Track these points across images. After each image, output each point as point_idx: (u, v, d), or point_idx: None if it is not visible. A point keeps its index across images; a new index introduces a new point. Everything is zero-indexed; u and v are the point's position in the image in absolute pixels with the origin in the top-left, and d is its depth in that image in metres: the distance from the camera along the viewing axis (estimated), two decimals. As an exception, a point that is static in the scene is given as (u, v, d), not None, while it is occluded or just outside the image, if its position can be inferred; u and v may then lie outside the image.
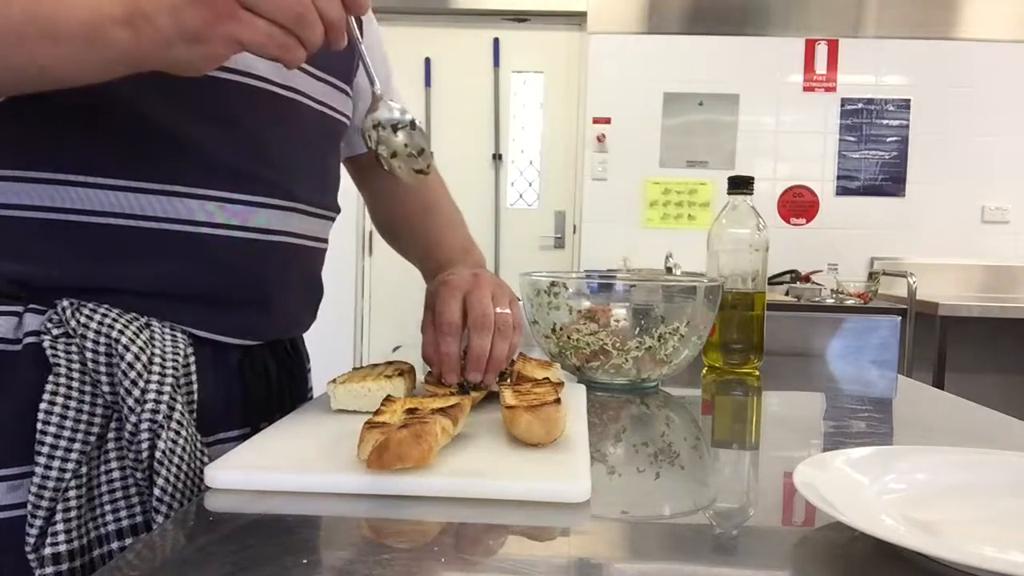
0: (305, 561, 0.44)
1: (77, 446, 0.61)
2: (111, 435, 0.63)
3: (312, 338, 0.91)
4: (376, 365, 0.82)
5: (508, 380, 0.81)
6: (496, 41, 3.82)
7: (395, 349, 1.23)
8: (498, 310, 0.76)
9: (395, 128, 0.67)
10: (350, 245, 3.78)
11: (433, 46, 3.82)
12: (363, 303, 3.90)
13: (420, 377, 0.84)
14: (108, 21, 0.53)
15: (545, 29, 3.82)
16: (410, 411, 0.61)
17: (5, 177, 0.64)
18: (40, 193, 0.64)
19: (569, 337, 0.96)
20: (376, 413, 0.62)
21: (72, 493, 0.60)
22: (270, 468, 0.56)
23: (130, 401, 0.61)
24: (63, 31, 0.53)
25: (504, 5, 3.73)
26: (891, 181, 3.64)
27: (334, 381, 0.75)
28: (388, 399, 0.67)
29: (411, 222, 1.01)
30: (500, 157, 3.85)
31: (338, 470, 0.56)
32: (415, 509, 0.52)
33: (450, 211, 1.03)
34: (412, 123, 0.68)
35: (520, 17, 3.80)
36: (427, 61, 3.81)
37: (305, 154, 0.77)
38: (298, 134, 0.76)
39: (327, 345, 2.16)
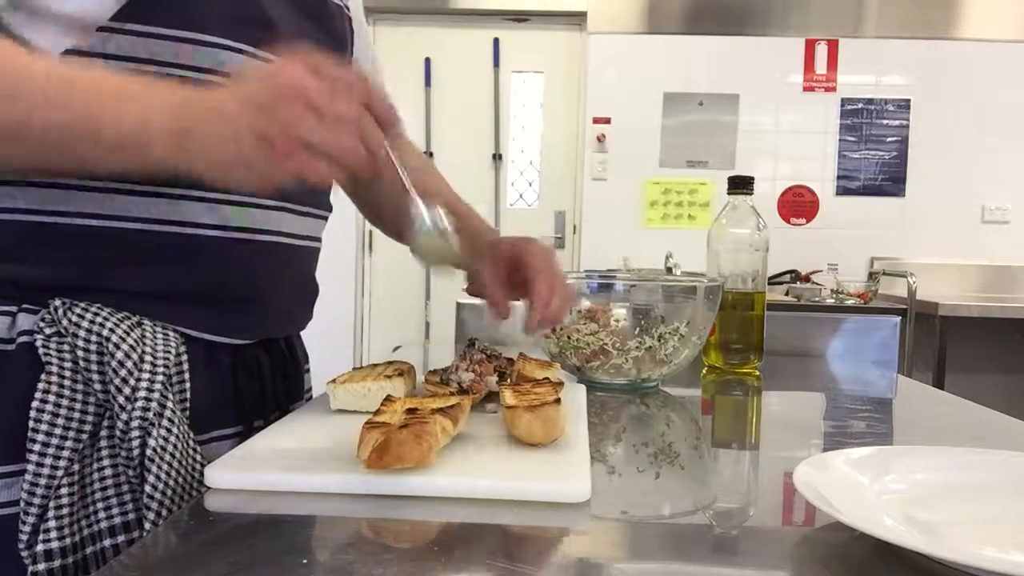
0: (305, 561, 0.44)
1: (69, 444, 0.61)
2: (103, 433, 0.63)
3: (312, 338, 0.91)
4: (376, 365, 0.82)
5: (508, 380, 0.81)
6: (496, 41, 3.82)
7: (395, 349, 1.23)
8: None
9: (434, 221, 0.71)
10: (350, 244, 3.78)
11: (433, 46, 3.82)
12: (363, 303, 3.89)
13: (420, 377, 0.84)
14: (155, 135, 0.55)
15: (545, 29, 3.82)
16: (410, 411, 0.61)
17: None
18: (33, 196, 0.64)
19: (569, 337, 0.96)
20: (376, 413, 0.62)
21: (64, 491, 0.60)
22: (270, 468, 0.57)
23: (120, 399, 0.61)
24: (108, 138, 0.55)
25: (504, 5, 3.73)
26: (891, 181, 3.64)
27: (334, 381, 0.75)
28: (388, 399, 0.67)
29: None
30: (500, 157, 3.85)
31: (338, 470, 0.56)
32: (415, 509, 0.52)
33: (462, 204, 1.02)
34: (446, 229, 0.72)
35: (520, 17, 3.80)
36: (427, 61, 3.80)
37: None
38: None
39: (327, 345, 2.15)
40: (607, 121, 3.66)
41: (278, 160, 0.55)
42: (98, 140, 0.55)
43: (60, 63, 0.57)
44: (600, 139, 3.65)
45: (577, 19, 3.72)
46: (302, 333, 0.90)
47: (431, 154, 3.81)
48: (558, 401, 0.63)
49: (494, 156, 3.85)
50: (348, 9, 0.88)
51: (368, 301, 3.91)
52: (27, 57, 0.56)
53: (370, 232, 3.82)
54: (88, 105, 0.55)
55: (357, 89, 0.57)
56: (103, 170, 0.59)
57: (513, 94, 3.86)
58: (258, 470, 0.56)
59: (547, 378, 0.79)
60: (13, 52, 0.56)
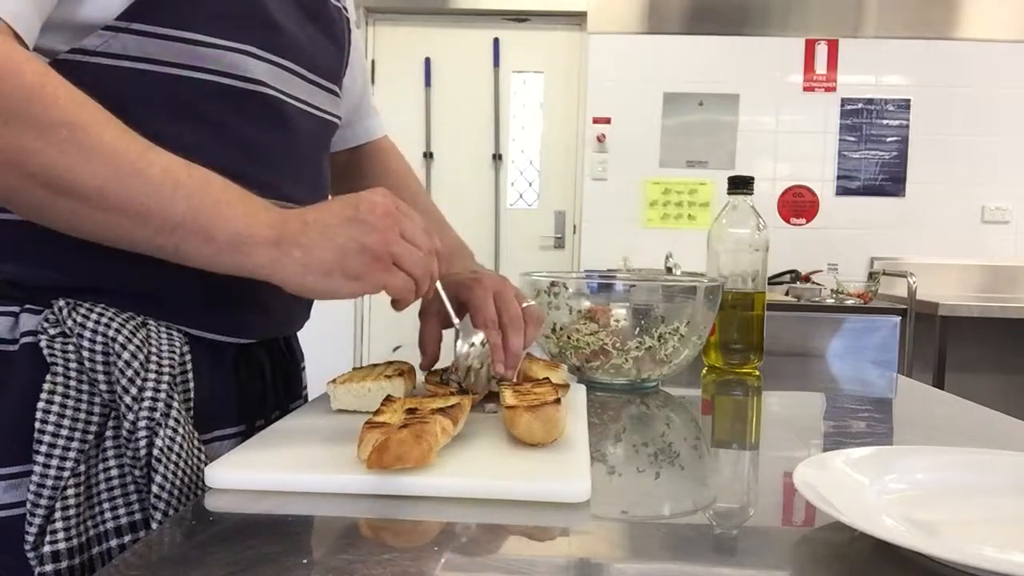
0: (305, 561, 0.44)
1: (75, 444, 0.61)
2: (109, 433, 0.63)
3: (312, 338, 0.91)
4: (376, 365, 0.82)
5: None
6: (496, 41, 3.82)
7: (395, 349, 1.23)
8: (524, 305, 0.82)
9: (482, 344, 0.78)
10: (350, 245, 3.77)
11: (433, 46, 3.82)
12: (363, 303, 3.89)
13: (420, 377, 0.84)
14: (260, 243, 0.60)
15: (545, 29, 3.82)
16: (410, 411, 0.61)
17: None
18: None
19: (569, 337, 0.96)
20: (376, 413, 0.62)
21: (71, 491, 0.60)
22: (270, 468, 0.57)
23: (127, 400, 0.62)
24: (216, 237, 0.59)
25: (504, 5, 3.73)
26: (891, 181, 3.64)
27: (334, 381, 0.75)
28: (388, 399, 0.67)
29: None
30: (500, 157, 3.85)
31: (338, 470, 0.56)
32: (415, 509, 0.52)
33: (436, 211, 1.03)
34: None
35: (520, 17, 3.80)
36: (427, 61, 3.80)
37: (298, 155, 0.78)
38: (291, 135, 0.76)
39: (327, 345, 2.16)
40: (607, 121, 3.66)
41: (376, 271, 0.61)
42: (210, 239, 0.59)
43: (165, 153, 0.59)
44: (600, 139, 3.65)
45: (577, 19, 3.72)
46: (299, 332, 0.90)
47: (431, 154, 3.82)
48: (558, 401, 0.63)
49: (494, 156, 3.85)
50: (346, 11, 0.88)
51: (368, 301, 3.90)
52: (142, 148, 0.58)
53: (370, 232, 3.80)
54: (204, 206, 0.59)
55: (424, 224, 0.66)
56: (197, 265, 0.62)
57: (513, 94, 3.86)
58: (258, 470, 0.56)
59: (547, 378, 0.79)
60: (128, 141, 0.58)
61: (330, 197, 0.88)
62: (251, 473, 0.56)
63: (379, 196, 0.64)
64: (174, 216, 0.58)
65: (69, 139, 0.55)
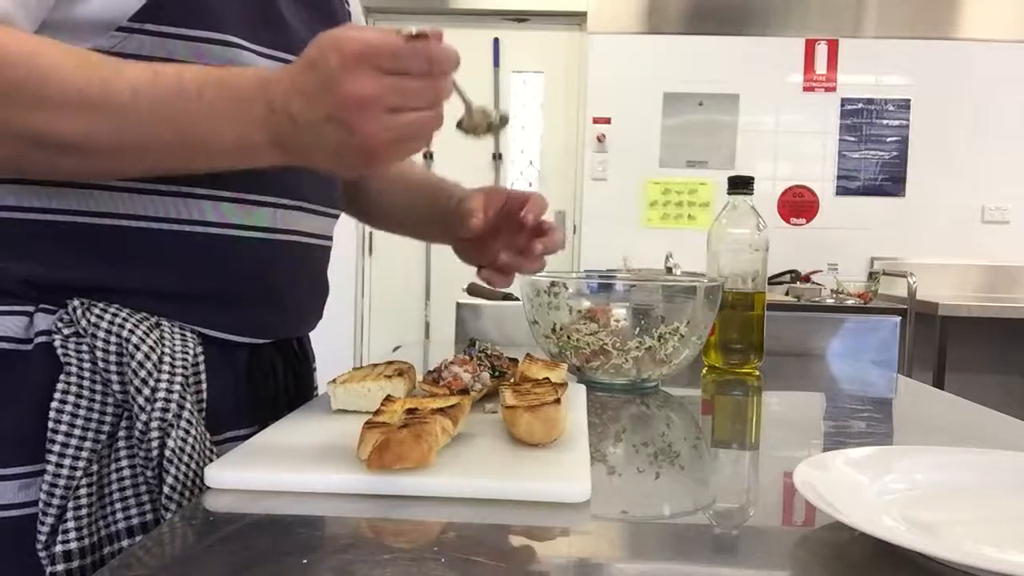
0: (305, 561, 0.44)
1: (88, 444, 0.61)
2: (121, 433, 0.63)
3: (312, 338, 0.91)
4: (376, 365, 0.82)
5: (504, 376, 0.81)
6: (496, 41, 3.82)
7: (395, 349, 1.23)
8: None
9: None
10: (350, 245, 3.78)
11: (433, 46, 3.81)
12: (363, 303, 3.89)
13: (420, 377, 0.84)
14: (258, 148, 0.58)
15: (545, 29, 3.82)
16: (410, 411, 0.60)
17: (16, 180, 0.64)
18: (50, 196, 0.64)
19: (569, 337, 0.96)
20: (376, 413, 0.62)
21: (83, 491, 0.60)
22: (270, 468, 0.57)
23: (140, 400, 0.62)
24: (217, 151, 0.59)
25: (504, 5, 3.73)
26: (891, 181, 3.64)
27: (334, 381, 0.75)
28: (388, 399, 0.67)
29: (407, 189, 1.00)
30: (500, 157, 3.85)
31: (338, 470, 0.56)
32: (415, 509, 0.52)
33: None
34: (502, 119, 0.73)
35: (520, 17, 3.80)
36: (427, 61, 3.80)
37: None
38: None
39: (328, 345, 2.15)
40: (607, 121, 3.66)
41: (386, 156, 0.57)
42: (211, 153, 0.59)
43: (126, 74, 0.57)
44: (600, 139, 3.65)
45: (577, 19, 3.72)
46: (303, 332, 0.90)
47: (431, 154, 3.82)
48: (558, 401, 0.63)
49: (494, 156, 3.85)
50: (347, 4, 0.88)
51: (368, 301, 3.91)
52: (116, 78, 0.56)
53: (370, 234, 3.81)
54: (188, 126, 0.57)
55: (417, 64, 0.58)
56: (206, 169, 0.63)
57: (513, 94, 3.86)
58: (258, 470, 0.56)
59: (547, 378, 0.79)
60: (103, 69, 0.56)
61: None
62: (251, 473, 0.56)
63: (351, 78, 0.53)
64: (162, 141, 0.57)
65: (37, 94, 0.54)
